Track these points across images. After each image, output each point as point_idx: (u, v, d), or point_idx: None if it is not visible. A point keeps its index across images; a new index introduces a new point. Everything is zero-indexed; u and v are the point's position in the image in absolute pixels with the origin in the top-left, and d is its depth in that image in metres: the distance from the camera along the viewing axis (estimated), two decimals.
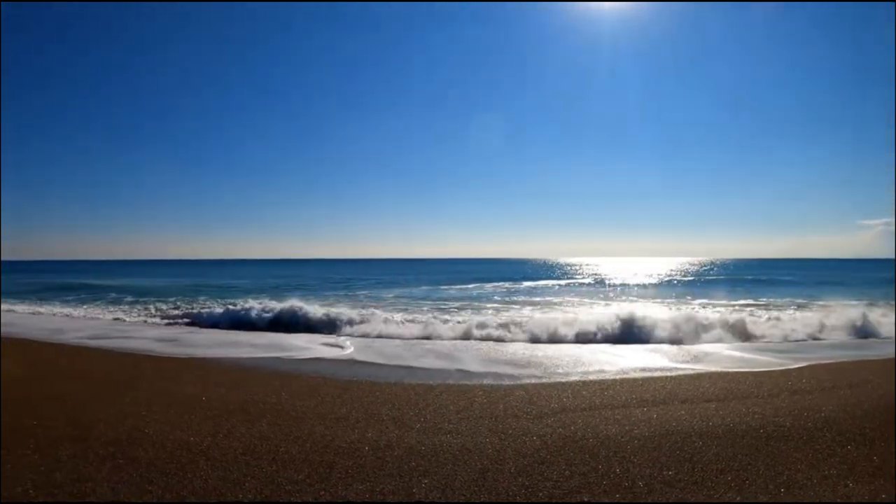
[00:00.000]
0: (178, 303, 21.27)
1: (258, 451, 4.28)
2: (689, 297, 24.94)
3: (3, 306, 19.71)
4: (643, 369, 8.07)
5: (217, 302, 20.94)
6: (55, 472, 3.76)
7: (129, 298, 24.15)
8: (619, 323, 12.13)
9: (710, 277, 49.24)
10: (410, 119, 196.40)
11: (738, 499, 3.44)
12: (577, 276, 56.26)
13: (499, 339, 11.76)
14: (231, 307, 17.11)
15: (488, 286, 36.97)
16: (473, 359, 9.11)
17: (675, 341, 11.18)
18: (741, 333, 12.15)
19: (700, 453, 4.26)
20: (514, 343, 11.35)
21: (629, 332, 11.79)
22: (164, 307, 19.50)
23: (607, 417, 5.33)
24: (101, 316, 17.32)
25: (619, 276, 56.94)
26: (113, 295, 26.44)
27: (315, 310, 15.40)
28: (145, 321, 16.15)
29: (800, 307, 19.26)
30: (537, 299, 25.42)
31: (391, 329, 13.05)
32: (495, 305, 21.92)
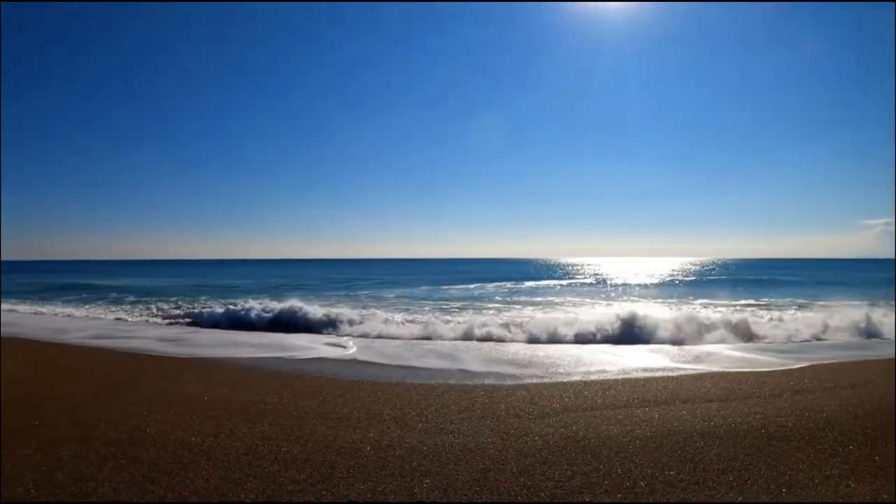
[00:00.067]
0: (180, 303, 21.29)
1: (260, 450, 4.29)
2: (690, 297, 24.91)
3: (4, 306, 19.74)
4: (645, 369, 8.06)
5: (218, 302, 20.95)
6: (57, 472, 3.76)
7: (131, 298, 24.18)
8: (620, 323, 12.12)
9: (712, 277, 49.19)
10: (410, 119, 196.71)
11: (739, 499, 3.44)
12: (578, 276, 56.25)
13: (500, 339, 11.75)
14: (232, 307, 17.12)
15: (489, 286, 36.96)
16: (475, 359, 9.11)
17: (676, 341, 11.16)
18: (743, 333, 12.14)
19: (702, 453, 4.26)
20: (515, 343, 11.35)
21: (630, 333, 11.78)
22: (165, 307, 19.52)
23: (609, 417, 5.32)
24: (102, 316, 17.34)
25: (620, 276, 56.91)
26: (114, 295, 26.47)
27: (315, 310, 15.41)
28: (147, 321, 16.17)
29: (801, 307, 19.24)
30: (539, 299, 25.42)
31: (392, 329, 13.06)
32: (497, 305, 21.92)
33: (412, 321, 14.33)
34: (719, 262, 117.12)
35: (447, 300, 24.65)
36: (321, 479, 3.71)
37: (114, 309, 19.41)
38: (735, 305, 20.63)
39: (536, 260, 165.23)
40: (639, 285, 39.18)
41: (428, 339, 11.92)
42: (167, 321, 15.99)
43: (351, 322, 13.99)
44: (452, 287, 35.76)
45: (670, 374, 7.71)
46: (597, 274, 62.83)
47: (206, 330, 13.78)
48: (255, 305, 16.68)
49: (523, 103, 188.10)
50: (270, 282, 43.18)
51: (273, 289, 33.29)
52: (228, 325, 14.82)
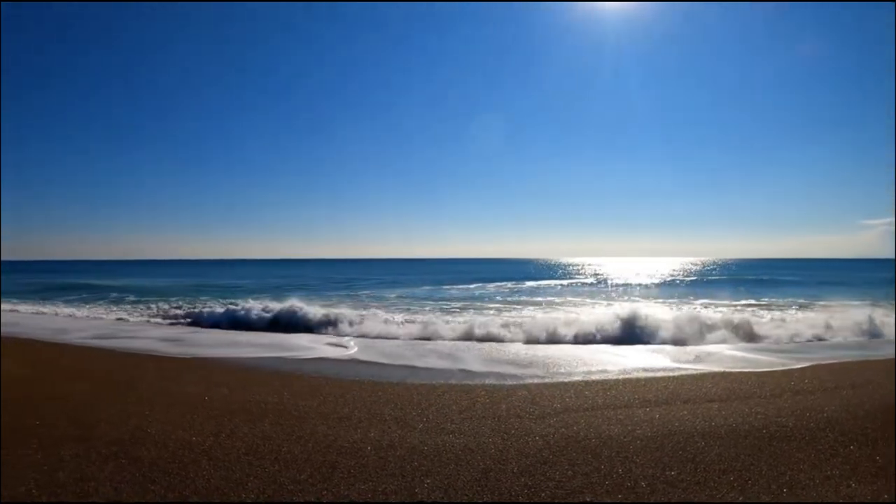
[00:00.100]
0: (180, 303, 21.30)
1: (261, 450, 4.29)
2: (690, 297, 24.90)
3: (6, 306, 19.77)
4: (645, 369, 8.06)
5: (219, 302, 20.96)
6: (58, 472, 3.77)
7: (131, 298, 24.21)
8: (621, 323, 12.12)
9: (712, 277, 49.17)
10: (410, 119, 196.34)
11: (740, 499, 3.44)
12: (578, 276, 56.24)
13: (501, 340, 11.75)
14: (233, 307, 17.14)
15: (490, 286, 36.96)
16: (476, 359, 9.11)
17: (677, 341, 11.16)
18: (744, 334, 12.13)
19: (702, 453, 4.26)
20: (516, 343, 11.35)
21: (631, 332, 11.77)
22: (166, 307, 19.52)
23: (610, 417, 5.32)
24: (104, 316, 17.36)
25: (621, 276, 56.89)
26: (114, 295, 26.48)
27: (316, 310, 15.43)
28: (148, 321, 16.19)
29: (802, 307, 19.25)
30: (539, 299, 25.41)
31: (393, 329, 13.06)
32: (497, 305, 21.92)
33: (413, 321, 14.33)
34: (720, 262, 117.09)
35: (448, 300, 24.65)
36: (322, 479, 3.72)
37: (114, 309, 19.42)
38: (736, 305, 20.62)
39: (537, 260, 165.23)
40: (639, 285, 39.17)
41: (429, 339, 11.92)
42: (168, 321, 16.01)
43: (352, 322, 14.00)
44: (453, 287, 35.75)
45: (671, 374, 7.71)
46: (597, 274, 62.82)
47: (206, 330, 13.80)
48: (256, 305, 16.69)
49: (523, 103, 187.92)
50: (271, 282, 43.20)
51: (274, 289, 33.27)
52: (229, 325, 14.84)
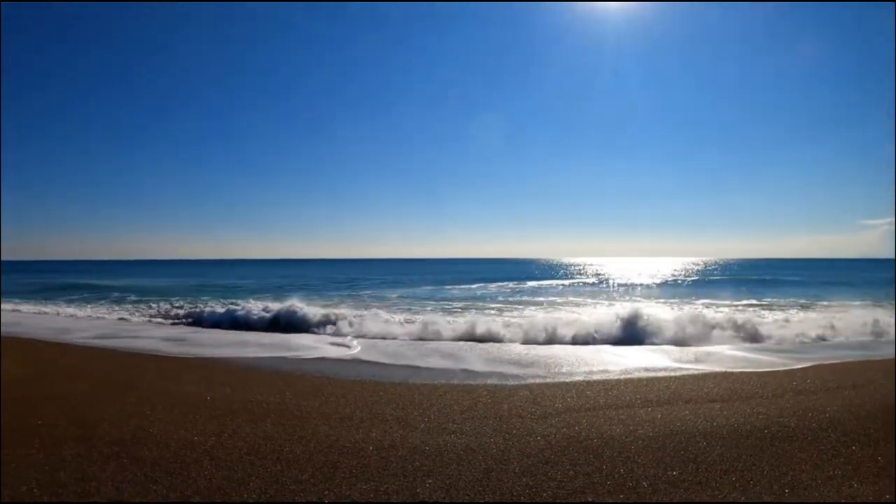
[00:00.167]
0: (182, 303, 21.31)
1: (262, 450, 4.29)
2: (692, 298, 24.88)
3: (8, 306, 19.80)
4: (647, 369, 8.06)
5: (221, 302, 20.97)
6: (59, 472, 3.78)
7: (133, 298, 24.22)
8: (622, 323, 12.10)
9: (714, 277, 49.11)
10: (410, 119, 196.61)
11: (742, 499, 3.44)
12: (579, 276, 56.19)
13: (503, 339, 11.75)
14: (235, 307, 17.15)
15: (492, 286, 36.94)
16: (477, 358, 9.11)
17: (679, 342, 11.14)
18: (746, 334, 12.10)
19: (704, 453, 4.25)
20: (518, 343, 11.34)
21: (633, 333, 11.75)
22: (168, 307, 19.54)
23: (611, 417, 5.32)
24: (106, 316, 17.38)
25: (622, 276, 56.84)
26: (115, 295, 26.50)
27: (317, 310, 15.44)
28: (149, 321, 16.21)
29: (803, 307, 19.22)
30: (541, 299, 25.39)
31: (395, 329, 13.06)
32: (499, 305, 21.90)
33: (415, 321, 14.33)
34: (721, 263, 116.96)
35: (449, 300, 24.65)
36: (324, 479, 3.72)
37: (116, 309, 19.44)
38: (737, 305, 20.59)
39: (537, 260, 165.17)
40: (641, 285, 39.11)
41: (430, 339, 11.92)
42: (170, 321, 16.03)
43: (353, 322, 13.99)
44: (455, 287, 35.74)
45: (673, 374, 7.70)
46: (598, 274, 62.76)
47: (208, 330, 13.82)
48: (258, 306, 16.69)
49: (523, 103, 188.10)
50: (272, 282, 43.23)
51: (275, 289, 33.30)
52: (231, 325, 14.85)
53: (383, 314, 15.33)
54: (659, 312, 14.19)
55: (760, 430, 4.87)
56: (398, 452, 4.27)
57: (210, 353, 9.59)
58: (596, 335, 11.78)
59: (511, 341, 11.57)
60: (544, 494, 3.50)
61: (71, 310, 19.05)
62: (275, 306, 16.17)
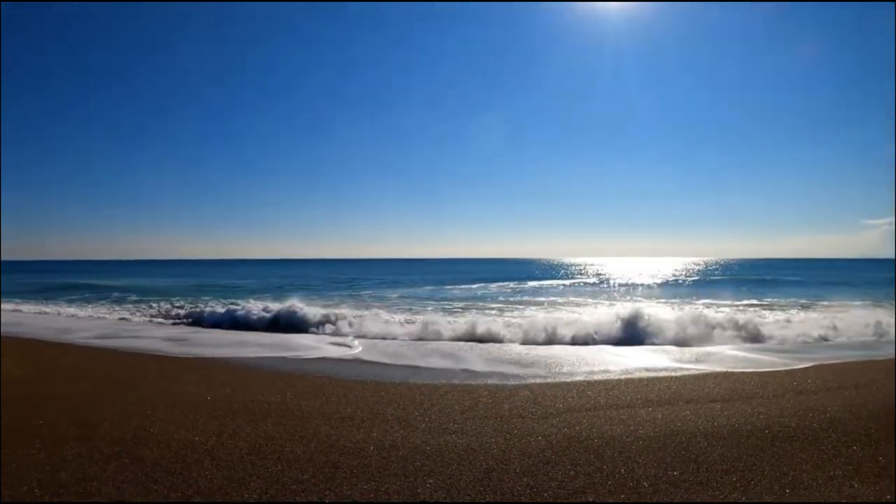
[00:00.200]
0: (183, 303, 21.31)
1: (263, 450, 4.30)
2: (693, 298, 24.87)
3: (9, 306, 19.81)
4: (648, 369, 8.05)
5: (221, 302, 20.97)
6: (60, 472, 3.78)
7: (133, 298, 24.24)
8: (623, 323, 12.09)
9: (714, 277, 49.10)
10: (410, 119, 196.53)
11: (743, 499, 3.43)
12: (580, 276, 56.18)
13: (503, 340, 11.74)
14: (235, 307, 17.15)
15: (492, 286, 36.94)
16: (478, 358, 9.11)
17: (679, 342, 11.13)
18: (747, 334, 12.10)
19: (705, 453, 4.25)
20: (518, 343, 11.34)
21: (633, 333, 11.75)
22: (168, 307, 19.55)
23: (612, 417, 5.32)
24: (106, 316, 17.39)
25: (623, 276, 56.82)
26: (116, 295, 26.52)
27: (318, 310, 15.44)
28: (150, 321, 16.22)
29: (804, 307, 19.21)
30: (542, 299, 25.39)
31: (396, 329, 13.06)
32: (500, 305, 21.90)
33: (415, 321, 14.32)
34: (721, 263, 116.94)
35: (450, 300, 24.64)
36: (324, 479, 3.72)
37: (117, 309, 19.46)
38: (738, 306, 20.59)
39: (537, 260, 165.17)
40: (641, 285, 39.11)
41: (431, 339, 11.92)
42: (170, 321, 16.04)
43: (353, 322, 13.99)
44: (455, 287, 35.74)
45: (673, 374, 7.70)
46: (599, 274, 62.75)
47: (208, 330, 13.82)
48: (258, 306, 16.69)
49: (523, 103, 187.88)
50: (273, 282, 43.24)
51: (276, 289, 33.32)
52: (231, 325, 14.85)
53: (384, 314, 15.33)
54: (660, 312, 14.18)
55: (761, 430, 4.87)
56: (399, 452, 4.27)
57: (211, 353, 9.60)
58: (596, 335, 11.78)
59: (511, 341, 11.56)
60: (545, 494, 3.50)
61: (72, 310, 19.07)
62: (275, 306, 16.17)
